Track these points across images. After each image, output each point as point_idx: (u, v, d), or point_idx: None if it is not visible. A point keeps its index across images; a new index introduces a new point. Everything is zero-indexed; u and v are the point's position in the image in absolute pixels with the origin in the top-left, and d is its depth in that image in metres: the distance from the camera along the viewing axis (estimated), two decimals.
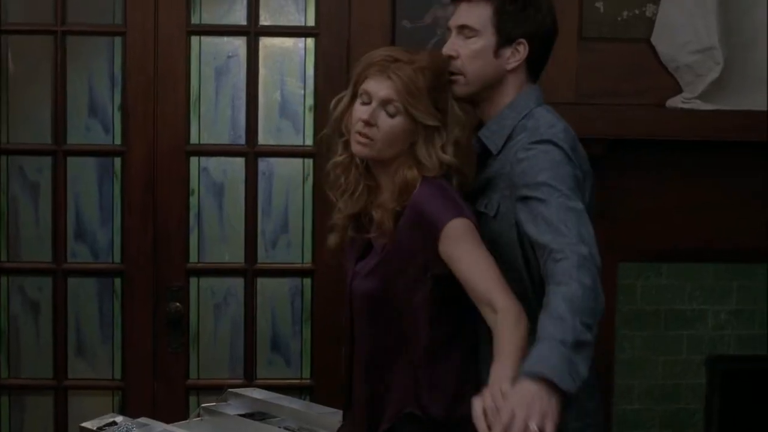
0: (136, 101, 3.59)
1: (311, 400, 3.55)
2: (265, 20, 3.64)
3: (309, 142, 3.66)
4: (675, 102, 3.63)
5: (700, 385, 3.81)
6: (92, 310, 3.69)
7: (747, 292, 3.79)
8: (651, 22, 3.67)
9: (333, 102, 2.68)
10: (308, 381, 3.72)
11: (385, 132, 2.54)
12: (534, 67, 2.66)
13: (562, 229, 2.29)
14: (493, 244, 2.56)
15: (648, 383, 3.78)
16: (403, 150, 2.57)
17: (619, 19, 3.67)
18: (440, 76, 2.59)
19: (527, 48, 2.60)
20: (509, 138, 2.59)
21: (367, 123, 2.53)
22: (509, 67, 2.62)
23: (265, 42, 3.65)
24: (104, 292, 3.68)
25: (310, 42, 3.64)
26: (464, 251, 2.48)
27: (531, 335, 2.30)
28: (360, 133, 2.55)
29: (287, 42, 3.67)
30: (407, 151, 2.57)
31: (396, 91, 2.53)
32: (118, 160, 3.63)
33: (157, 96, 3.59)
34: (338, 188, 2.67)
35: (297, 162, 3.67)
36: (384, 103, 2.53)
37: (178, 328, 3.65)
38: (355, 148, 2.57)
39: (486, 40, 2.60)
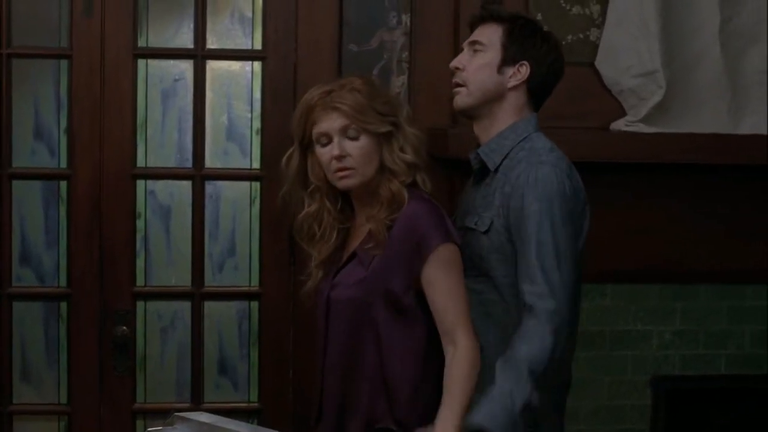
0: (82, 124, 3.57)
1: (259, 424, 3.55)
2: (212, 43, 3.64)
3: (256, 165, 3.66)
4: (618, 125, 3.67)
5: (645, 406, 3.84)
6: (38, 334, 3.65)
7: (690, 312, 3.84)
8: (595, 46, 3.72)
9: (284, 160, 2.80)
10: (256, 404, 3.71)
11: (358, 155, 2.67)
12: (535, 96, 2.86)
13: (537, 277, 2.54)
14: (480, 258, 2.74)
15: (594, 404, 3.81)
16: (378, 166, 2.69)
17: (563, 43, 3.68)
18: (371, 88, 2.73)
19: (528, 70, 2.80)
20: (506, 156, 2.77)
21: (339, 157, 2.65)
22: (510, 84, 2.81)
23: (212, 65, 3.65)
24: (50, 316, 3.64)
25: (257, 65, 3.65)
26: (444, 276, 2.62)
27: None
28: (339, 169, 2.67)
29: (234, 65, 3.67)
30: (380, 167, 2.69)
31: (347, 116, 2.66)
32: (64, 184, 3.60)
33: (104, 119, 3.57)
34: (311, 237, 2.79)
35: (244, 185, 3.67)
36: (343, 131, 2.66)
37: (124, 352, 3.63)
38: (341, 183, 2.70)
39: (492, 55, 2.80)
